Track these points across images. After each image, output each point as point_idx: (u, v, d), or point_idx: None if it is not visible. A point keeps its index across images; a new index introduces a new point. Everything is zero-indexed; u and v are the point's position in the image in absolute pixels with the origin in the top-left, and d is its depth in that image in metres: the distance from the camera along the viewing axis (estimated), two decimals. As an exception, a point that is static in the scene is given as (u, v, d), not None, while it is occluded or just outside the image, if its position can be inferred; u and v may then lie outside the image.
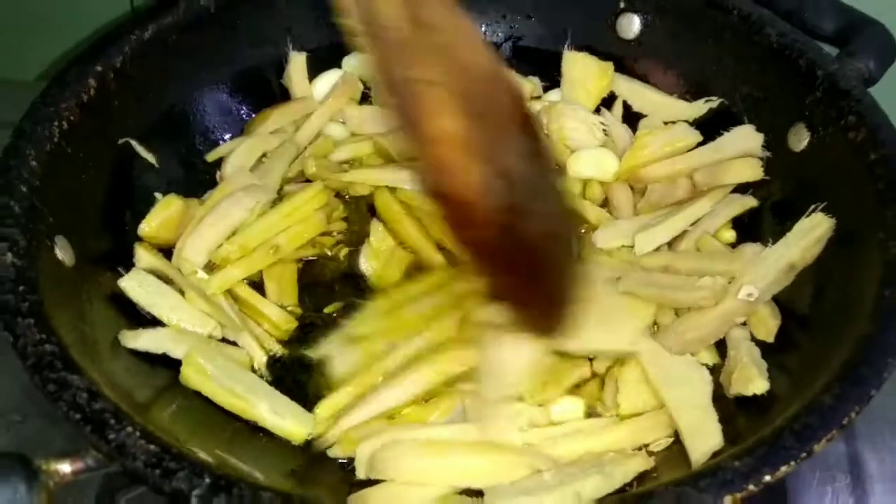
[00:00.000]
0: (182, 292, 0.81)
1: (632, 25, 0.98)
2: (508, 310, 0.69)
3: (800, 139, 0.84)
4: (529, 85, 1.02)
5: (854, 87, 0.80)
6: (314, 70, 1.01)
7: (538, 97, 1.02)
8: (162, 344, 0.76)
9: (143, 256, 0.82)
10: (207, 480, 0.54)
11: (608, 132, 0.96)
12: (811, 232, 0.78)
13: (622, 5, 0.98)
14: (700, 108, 0.94)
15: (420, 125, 0.59)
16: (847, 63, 0.83)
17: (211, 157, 0.95)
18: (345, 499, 0.66)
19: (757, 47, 0.88)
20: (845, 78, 0.81)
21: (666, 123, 0.95)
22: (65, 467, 0.57)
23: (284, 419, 0.73)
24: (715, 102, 0.93)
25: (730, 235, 0.87)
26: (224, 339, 0.81)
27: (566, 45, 1.00)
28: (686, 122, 0.94)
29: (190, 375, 0.74)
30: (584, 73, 0.99)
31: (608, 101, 0.99)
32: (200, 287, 0.81)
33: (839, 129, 0.79)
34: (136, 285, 0.80)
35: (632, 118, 0.98)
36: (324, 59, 1.01)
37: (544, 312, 0.69)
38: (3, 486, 0.54)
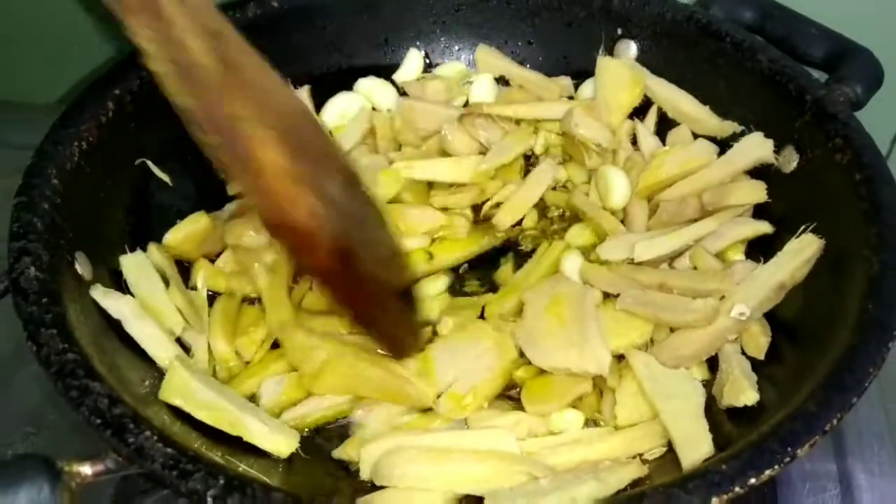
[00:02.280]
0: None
1: (629, 51, 1.01)
2: (360, 328, 0.74)
3: (789, 161, 0.87)
4: (559, 85, 1.03)
5: (841, 111, 0.83)
6: (327, 92, 1.03)
7: (570, 97, 1.03)
8: (121, 310, 0.77)
9: (154, 253, 0.85)
10: (222, 481, 0.57)
11: (637, 145, 0.98)
12: (801, 253, 0.80)
13: (619, 32, 1.01)
14: (726, 128, 0.94)
15: (248, 159, 0.61)
16: (835, 88, 0.86)
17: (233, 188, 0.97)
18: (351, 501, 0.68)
19: (749, 72, 0.91)
20: (833, 102, 0.84)
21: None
22: (86, 469, 0.60)
23: (272, 433, 0.72)
24: (738, 128, 0.93)
25: (738, 257, 0.88)
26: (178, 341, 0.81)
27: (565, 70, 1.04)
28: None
29: (172, 391, 0.72)
30: (615, 82, 0.99)
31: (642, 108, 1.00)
32: (188, 294, 0.84)
33: (826, 151, 0.82)
34: (134, 265, 0.82)
35: (665, 124, 0.99)
36: (337, 80, 1.04)
37: (389, 332, 0.74)
38: (28, 486, 0.56)
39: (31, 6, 1.20)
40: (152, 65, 0.61)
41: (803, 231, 0.81)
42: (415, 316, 0.75)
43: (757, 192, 0.89)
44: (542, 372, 0.80)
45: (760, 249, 0.85)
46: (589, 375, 0.78)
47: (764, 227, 0.88)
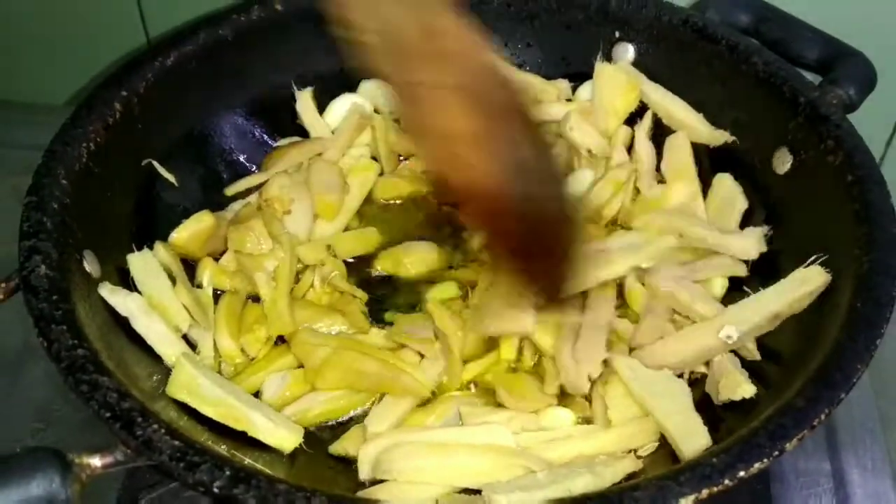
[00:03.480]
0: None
1: (627, 54, 1.02)
2: (521, 282, 0.76)
3: (783, 162, 0.88)
4: (557, 88, 1.04)
5: (833, 114, 0.84)
6: (331, 94, 1.04)
7: (569, 100, 1.04)
8: (128, 307, 0.78)
9: (160, 252, 0.86)
10: (228, 473, 0.58)
11: (633, 151, 0.98)
12: (804, 284, 0.76)
13: (618, 35, 1.02)
14: (718, 136, 0.94)
15: (434, 125, 0.64)
16: (828, 90, 0.87)
17: (230, 191, 0.98)
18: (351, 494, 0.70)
19: (744, 75, 0.92)
20: (825, 104, 0.85)
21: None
22: (95, 461, 0.61)
23: (277, 428, 0.74)
24: (730, 138, 0.94)
25: (720, 287, 0.86)
26: (184, 337, 0.82)
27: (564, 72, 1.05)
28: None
29: (178, 387, 0.74)
30: (612, 87, 1.00)
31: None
32: (194, 292, 0.86)
33: (819, 152, 0.83)
34: (141, 263, 0.84)
35: (661, 128, 0.99)
36: (340, 82, 1.04)
37: (552, 283, 0.74)
38: (40, 478, 0.57)
39: (38, 8, 1.21)
40: (359, 37, 0.63)
41: (812, 262, 0.77)
42: (573, 263, 0.74)
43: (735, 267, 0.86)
44: (506, 371, 0.83)
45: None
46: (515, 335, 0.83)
47: (740, 270, 0.86)
